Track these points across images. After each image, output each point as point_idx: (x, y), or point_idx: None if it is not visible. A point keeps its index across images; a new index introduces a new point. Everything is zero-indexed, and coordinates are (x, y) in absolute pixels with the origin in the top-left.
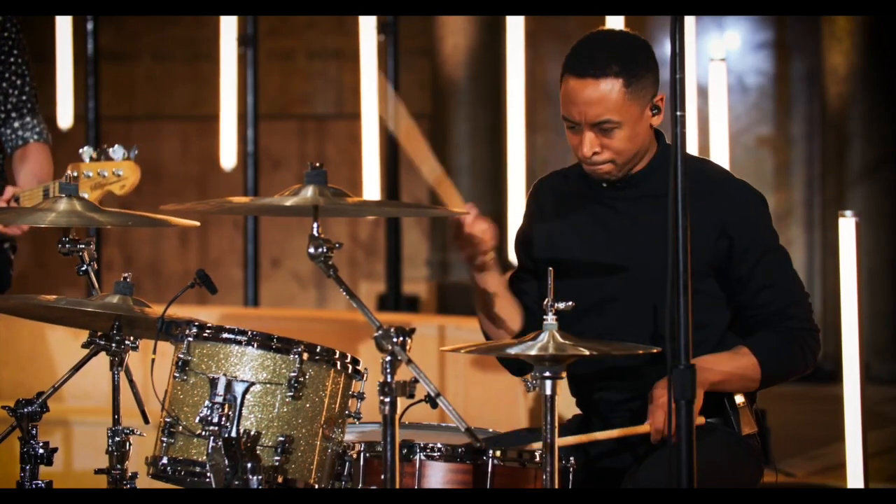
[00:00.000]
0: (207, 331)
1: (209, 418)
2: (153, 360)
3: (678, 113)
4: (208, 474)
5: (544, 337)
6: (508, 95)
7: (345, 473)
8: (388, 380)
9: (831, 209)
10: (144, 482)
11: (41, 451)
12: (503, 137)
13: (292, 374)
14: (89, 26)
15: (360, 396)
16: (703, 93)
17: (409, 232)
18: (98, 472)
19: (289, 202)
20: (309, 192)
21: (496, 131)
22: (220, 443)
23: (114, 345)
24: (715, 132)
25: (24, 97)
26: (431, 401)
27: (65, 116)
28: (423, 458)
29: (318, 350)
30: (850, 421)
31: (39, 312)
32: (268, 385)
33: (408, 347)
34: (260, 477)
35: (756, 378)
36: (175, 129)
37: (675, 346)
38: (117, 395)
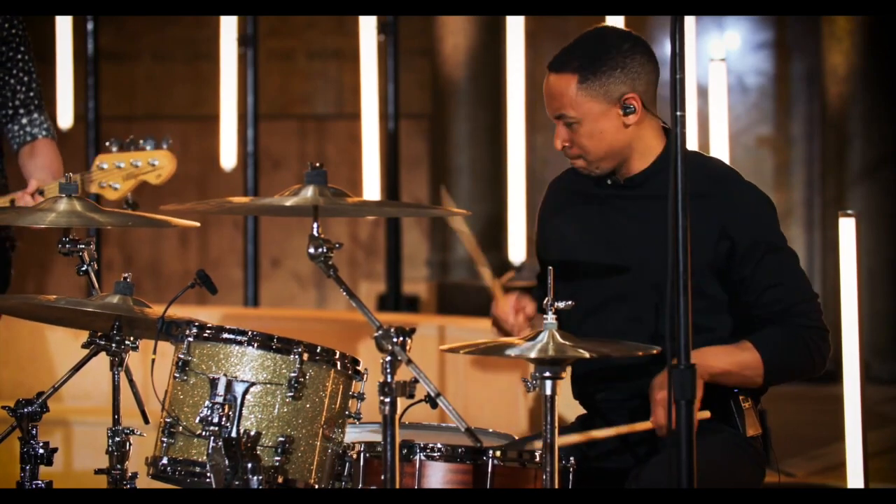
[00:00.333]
0: (208, 331)
1: (209, 418)
2: (153, 361)
3: (678, 113)
4: (208, 474)
5: (544, 337)
6: (508, 95)
7: (345, 473)
8: (388, 380)
9: (831, 209)
10: (144, 482)
11: (41, 451)
12: (503, 137)
13: (292, 375)
14: (89, 26)
15: (361, 397)
16: (703, 93)
17: (409, 232)
18: (98, 472)
19: (289, 202)
20: (309, 192)
21: (496, 131)
22: (220, 443)
23: (114, 345)
24: (715, 132)
25: (31, 94)
26: (431, 401)
27: (65, 116)
28: (423, 458)
29: (318, 350)
30: (850, 421)
31: (39, 312)
32: (268, 385)
33: (408, 347)
34: (260, 477)
35: (758, 373)
36: (175, 129)
37: (675, 345)
38: (117, 395)
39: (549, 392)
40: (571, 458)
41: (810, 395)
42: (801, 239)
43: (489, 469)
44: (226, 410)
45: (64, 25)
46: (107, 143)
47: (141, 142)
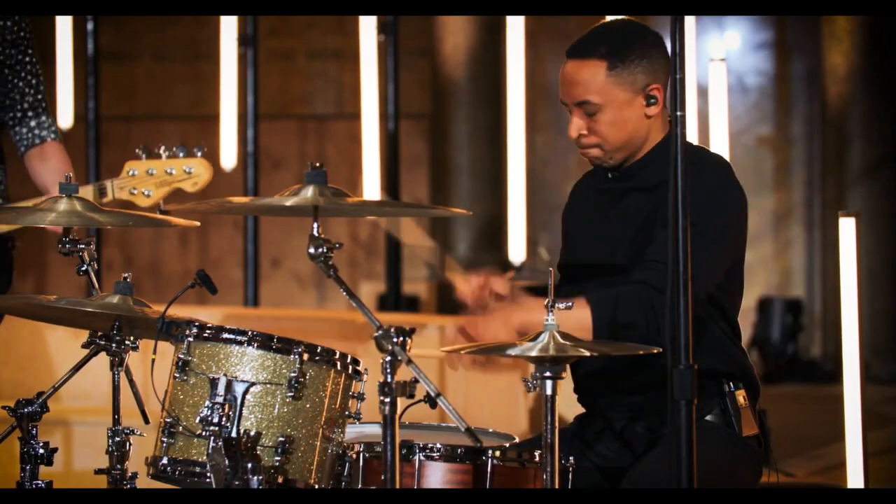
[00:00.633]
0: (208, 331)
1: (209, 418)
2: (153, 361)
3: (678, 113)
4: (208, 474)
5: (544, 337)
6: (508, 95)
7: (345, 474)
8: (388, 380)
9: (831, 209)
10: (144, 482)
11: (41, 451)
12: (503, 137)
13: (292, 375)
14: (89, 26)
15: (361, 397)
16: (703, 93)
17: None
18: (98, 472)
19: (289, 202)
20: (309, 192)
21: (496, 131)
22: (220, 443)
23: (114, 345)
24: (715, 132)
25: (38, 96)
26: (431, 401)
27: (65, 116)
28: (422, 458)
29: (318, 350)
30: (850, 421)
31: (39, 312)
32: (268, 385)
33: (408, 347)
34: (260, 477)
35: (585, 329)
36: (175, 129)
37: (675, 346)
38: (117, 395)
39: (549, 392)
40: (571, 458)
41: (810, 395)
42: (801, 239)
43: (489, 469)
44: (226, 410)
45: (64, 25)
46: (136, 150)
47: (174, 149)
